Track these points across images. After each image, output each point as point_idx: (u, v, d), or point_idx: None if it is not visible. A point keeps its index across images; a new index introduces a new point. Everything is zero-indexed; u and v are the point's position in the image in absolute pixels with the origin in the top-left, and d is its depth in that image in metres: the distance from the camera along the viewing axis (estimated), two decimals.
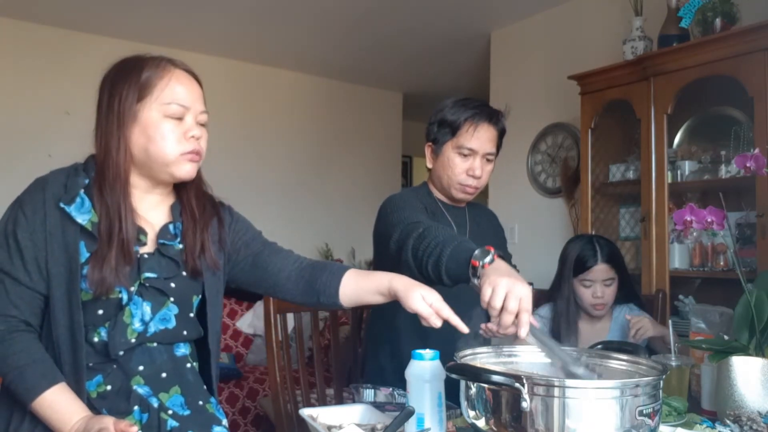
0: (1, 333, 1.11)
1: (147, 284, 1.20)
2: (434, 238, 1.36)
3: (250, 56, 4.59)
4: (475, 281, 1.21)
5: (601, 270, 1.98)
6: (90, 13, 3.77)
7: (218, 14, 3.78)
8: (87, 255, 1.14)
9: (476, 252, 1.23)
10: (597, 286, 1.97)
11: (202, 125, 1.24)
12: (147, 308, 1.20)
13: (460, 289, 1.71)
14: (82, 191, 1.17)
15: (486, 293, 1.13)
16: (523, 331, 1.10)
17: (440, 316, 1.17)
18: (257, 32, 4.11)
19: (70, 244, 1.14)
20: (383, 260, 1.68)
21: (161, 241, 1.23)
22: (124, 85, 1.17)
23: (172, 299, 1.23)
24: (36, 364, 1.11)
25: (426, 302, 1.17)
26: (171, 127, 1.18)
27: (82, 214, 1.15)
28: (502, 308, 1.10)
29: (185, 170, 1.21)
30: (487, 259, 1.21)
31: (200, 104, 1.23)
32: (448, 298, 1.71)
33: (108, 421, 1.05)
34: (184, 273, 1.25)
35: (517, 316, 1.10)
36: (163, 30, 4.03)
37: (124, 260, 1.15)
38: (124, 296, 1.17)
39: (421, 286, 1.20)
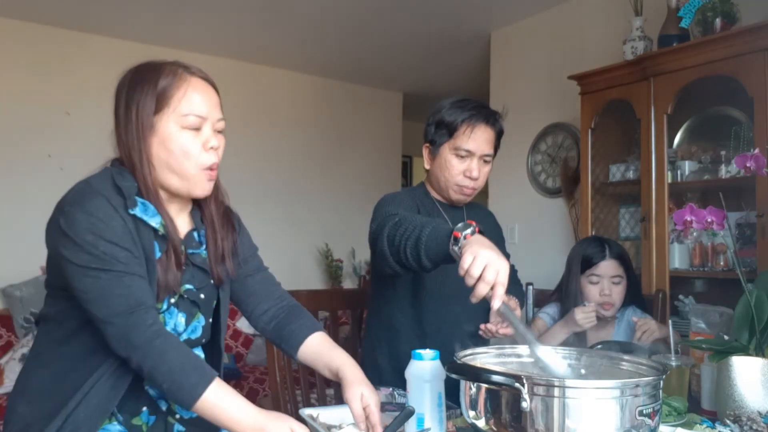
0: (157, 329, 1.08)
1: (185, 296, 1.21)
2: (411, 223, 1.37)
3: (251, 56, 4.59)
4: (456, 249, 1.21)
5: (608, 266, 1.97)
6: (90, 13, 3.77)
7: (218, 15, 3.79)
8: (159, 255, 1.15)
9: (458, 225, 1.24)
10: (604, 282, 1.96)
11: (220, 132, 1.22)
12: (182, 319, 1.21)
13: (458, 288, 1.72)
14: (137, 196, 1.15)
15: (466, 261, 1.13)
16: (496, 303, 1.11)
17: (369, 420, 1.16)
18: (257, 32, 4.11)
19: (146, 245, 1.13)
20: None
21: (190, 250, 1.23)
22: (140, 94, 1.15)
23: (201, 309, 1.24)
24: (190, 360, 1.09)
25: (362, 402, 1.17)
26: (189, 139, 1.16)
27: (152, 218, 1.15)
28: (479, 277, 1.11)
29: (202, 189, 1.20)
30: (469, 231, 1.21)
31: (217, 112, 1.21)
32: (446, 298, 1.72)
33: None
34: (212, 282, 1.26)
35: (492, 288, 1.11)
36: (163, 30, 4.04)
37: (178, 266, 1.16)
38: (164, 304, 1.17)
39: (365, 384, 1.20)
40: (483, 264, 1.11)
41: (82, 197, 1.11)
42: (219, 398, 1.06)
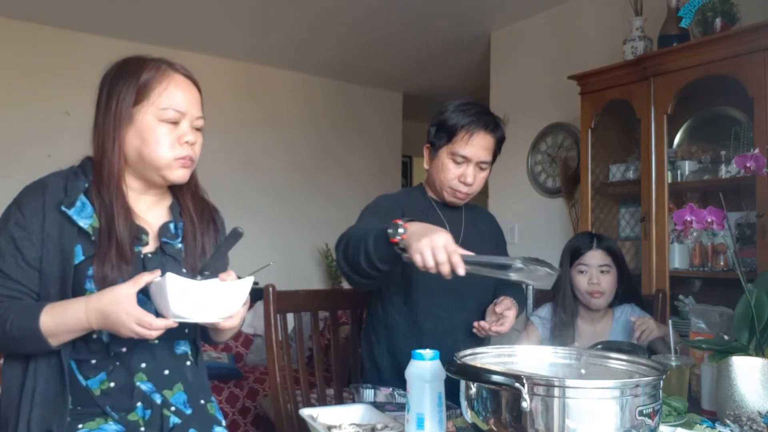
0: None
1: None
2: (356, 238, 1.44)
3: (250, 56, 4.59)
4: (406, 256, 1.30)
5: (596, 255, 2.00)
6: (90, 13, 3.77)
7: (218, 14, 3.79)
8: (82, 258, 1.16)
9: (389, 231, 1.32)
10: (593, 271, 1.99)
11: (198, 130, 1.25)
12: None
13: (450, 284, 1.73)
14: (82, 195, 1.19)
15: (418, 260, 1.23)
16: (461, 270, 1.22)
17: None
18: (257, 32, 4.11)
19: (66, 245, 1.16)
20: None
21: (163, 239, 1.25)
22: (122, 86, 1.19)
23: None
24: (19, 307, 1.12)
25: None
26: (165, 132, 1.19)
27: (84, 219, 1.17)
28: (437, 263, 1.21)
29: (177, 175, 1.23)
30: (400, 231, 1.30)
31: (197, 110, 1.24)
32: (439, 295, 1.73)
33: (129, 318, 1.06)
34: (185, 270, 1.26)
35: (451, 263, 1.21)
36: (163, 30, 4.04)
37: (122, 259, 1.16)
38: None
39: None
40: (429, 252, 1.21)
41: (27, 189, 1.19)
42: (55, 321, 1.10)
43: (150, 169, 1.21)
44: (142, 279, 1.09)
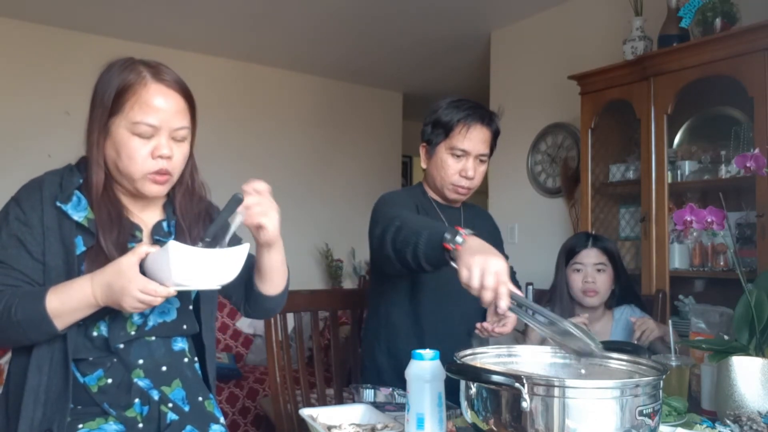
0: None
1: None
2: (410, 228, 1.40)
3: (250, 56, 4.59)
4: (454, 264, 1.22)
5: (591, 254, 2.01)
6: (89, 13, 3.77)
7: (218, 14, 3.78)
8: (83, 248, 1.17)
9: (446, 235, 1.25)
10: (588, 269, 2.00)
11: (180, 140, 1.22)
12: None
13: (457, 286, 1.73)
14: (77, 190, 1.20)
15: (463, 275, 1.15)
16: (503, 304, 1.12)
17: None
18: (257, 32, 4.11)
19: (66, 237, 1.16)
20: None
21: (156, 237, 1.26)
22: (102, 96, 1.18)
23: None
24: (24, 292, 1.12)
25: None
26: (139, 145, 1.17)
27: (79, 212, 1.18)
28: (482, 286, 1.12)
29: (151, 190, 1.22)
30: (458, 239, 1.23)
31: (178, 120, 1.20)
32: (444, 295, 1.73)
33: (132, 287, 1.06)
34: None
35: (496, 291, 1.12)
36: (162, 30, 4.03)
37: (118, 255, 1.16)
38: None
39: None
40: (479, 273, 1.12)
41: (24, 187, 1.20)
42: (61, 300, 1.10)
43: (126, 181, 1.21)
44: (141, 249, 1.08)
